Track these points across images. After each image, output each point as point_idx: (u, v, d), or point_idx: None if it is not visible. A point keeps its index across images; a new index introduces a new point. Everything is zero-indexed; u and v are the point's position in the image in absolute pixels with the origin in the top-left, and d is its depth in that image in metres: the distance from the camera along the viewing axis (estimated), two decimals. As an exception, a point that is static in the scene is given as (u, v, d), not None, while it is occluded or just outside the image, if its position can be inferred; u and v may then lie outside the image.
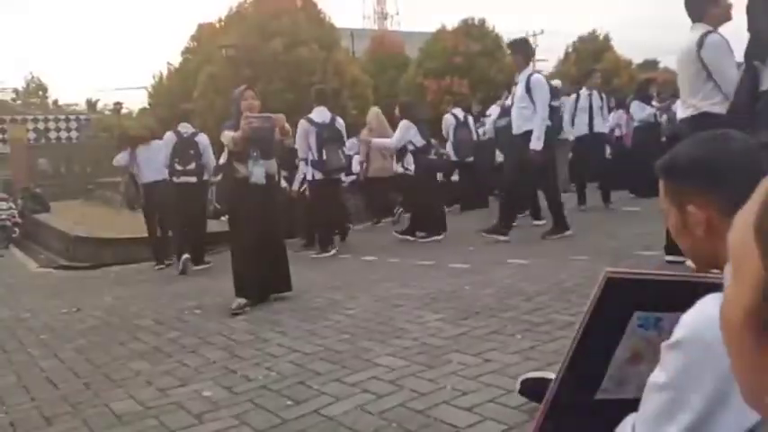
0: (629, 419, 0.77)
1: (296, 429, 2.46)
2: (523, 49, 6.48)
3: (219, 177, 4.97)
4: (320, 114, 7.04)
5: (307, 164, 7.22)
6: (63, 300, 6.38)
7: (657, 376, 0.83)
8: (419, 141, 7.43)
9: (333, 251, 7.14)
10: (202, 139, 7.44)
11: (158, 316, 4.95)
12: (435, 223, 7.50)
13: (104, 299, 6.14)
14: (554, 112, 6.47)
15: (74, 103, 47.12)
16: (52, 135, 30.55)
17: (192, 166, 7.25)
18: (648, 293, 0.86)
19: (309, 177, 7.22)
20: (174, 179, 7.34)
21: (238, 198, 4.81)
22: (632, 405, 0.84)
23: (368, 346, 3.42)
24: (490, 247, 6.24)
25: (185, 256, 7.16)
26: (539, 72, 6.78)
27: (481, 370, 2.87)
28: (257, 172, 4.73)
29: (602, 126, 8.44)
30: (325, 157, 6.91)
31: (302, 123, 7.00)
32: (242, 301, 4.70)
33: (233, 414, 2.69)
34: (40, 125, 30.58)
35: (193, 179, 7.28)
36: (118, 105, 28.15)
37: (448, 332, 3.51)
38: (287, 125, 4.87)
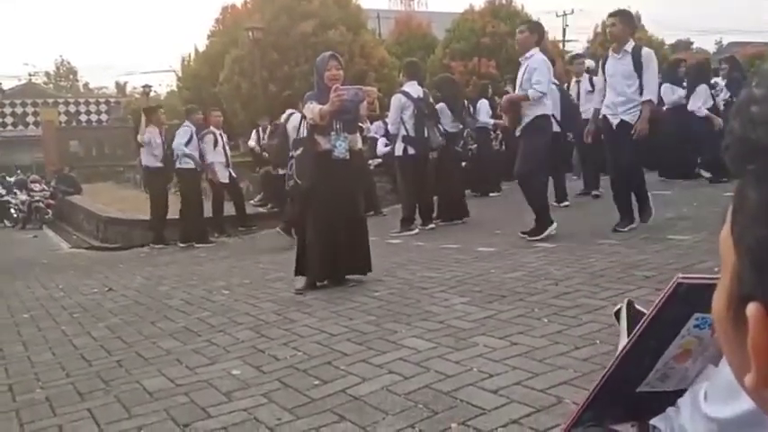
0: (702, 387, 0.75)
1: (323, 408, 2.49)
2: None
3: (299, 151, 4.61)
4: (414, 89, 6.78)
5: (394, 139, 6.95)
6: (95, 279, 6.52)
7: None
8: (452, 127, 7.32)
9: (416, 230, 6.91)
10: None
11: (188, 296, 5.04)
12: (459, 209, 7.41)
13: (135, 279, 6.26)
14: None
15: (103, 87, 47.86)
16: (83, 118, 31.11)
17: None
18: (711, 296, 0.84)
19: (399, 153, 6.89)
20: None
21: (319, 173, 4.46)
22: (672, 395, 0.84)
23: (394, 328, 3.44)
24: (516, 230, 6.20)
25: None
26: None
27: (507, 353, 2.87)
28: (340, 146, 4.45)
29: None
30: (427, 134, 6.71)
31: (398, 97, 6.78)
32: (300, 281, 4.63)
33: (261, 392, 2.73)
34: (71, 108, 31.14)
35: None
36: (146, 88, 28.34)
37: (474, 315, 3.51)
38: (377, 100, 4.64)
